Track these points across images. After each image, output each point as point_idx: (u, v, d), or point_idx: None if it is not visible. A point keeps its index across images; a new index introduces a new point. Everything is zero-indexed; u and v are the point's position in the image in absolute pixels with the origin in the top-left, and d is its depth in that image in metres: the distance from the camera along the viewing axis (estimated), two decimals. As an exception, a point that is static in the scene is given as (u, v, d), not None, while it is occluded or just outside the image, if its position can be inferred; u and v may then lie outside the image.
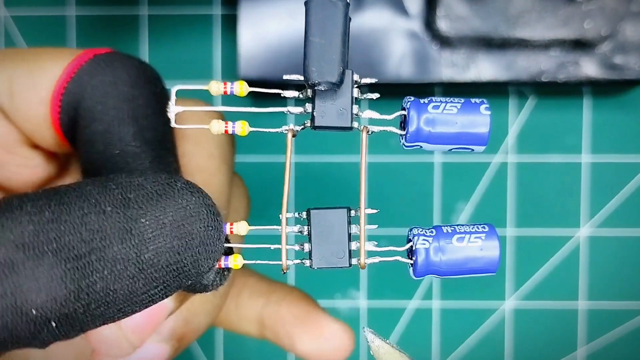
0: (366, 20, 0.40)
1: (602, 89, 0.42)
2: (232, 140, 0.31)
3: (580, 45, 0.39)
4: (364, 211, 0.23)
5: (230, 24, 0.42)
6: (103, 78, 0.25)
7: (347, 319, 0.44)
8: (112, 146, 0.25)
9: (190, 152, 0.28)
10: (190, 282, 0.22)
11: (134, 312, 0.21)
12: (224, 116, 0.29)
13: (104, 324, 0.21)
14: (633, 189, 0.42)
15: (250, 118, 0.23)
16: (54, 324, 0.19)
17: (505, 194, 0.43)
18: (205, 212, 0.22)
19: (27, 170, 0.28)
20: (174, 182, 0.22)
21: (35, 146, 0.28)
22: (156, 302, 0.22)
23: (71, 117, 0.26)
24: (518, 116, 0.43)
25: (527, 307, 0.43)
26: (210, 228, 0.22)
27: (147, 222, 0.21)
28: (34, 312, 0.19)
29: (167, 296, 0.22)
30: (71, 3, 0.42)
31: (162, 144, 0.26)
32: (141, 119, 0.25)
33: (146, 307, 0.21)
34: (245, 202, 0.33)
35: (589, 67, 0.39)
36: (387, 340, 0.24)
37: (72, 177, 0.30)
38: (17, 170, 0.28)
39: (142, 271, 0.20)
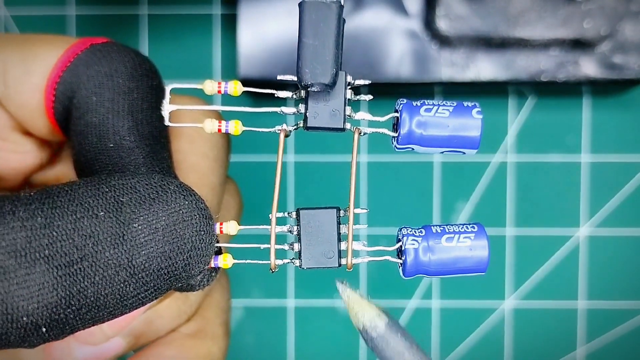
0: (366, 20, 0.40)
1: (601, 88, 0.42)
2: (227, 142, 0.31)
3: (580, 44, 0.39)
4: (352, 211, 0.23)
5: (230, 23, 0.42)
6: (99, 69, 0.25)
7: (347, 318, 0.44)
8: (106, 139, 0.25)
9: (185, 151, 0.28)
10: (180, 284, 0.22)
11: (123, 313, 0.21)
12: (221, 115, 0.29)
13: (94, 325, 0.21)
14: (632, 189, 0.42)
15: (248, 118, 0.24)
16: (44, 329, 0.19)
17: (504, 193, 0.43)
18: (197, 216, 0.22)
19: (18, 156, 0.28)
20: (166, 185, 0.22)
21: (27, 133, 0.28)
22: (146, 304, 0.22)
23: (65, 107, 0.26)
24: (517, 116, 0.42)
25: (527, 306, 0.43)
26: (203, 232, 0.22)
27: (140, 227, 0.21)
28: (24, 319, 0.19)
29: (157, 298, 0.22)
30: (71, 3, 0.42)
31: (157, 139, 0.26)
32: (136, 112, 0.25)
33: (136, 308, 0.21)
34: (237, 208, 0.33)
35: (588, 67, 0.39)
36: (358, 291, 0.23)
37: (63, 165, 0.30)
38: (8, 156, 0.28)
39: (134, 276, 0.20)
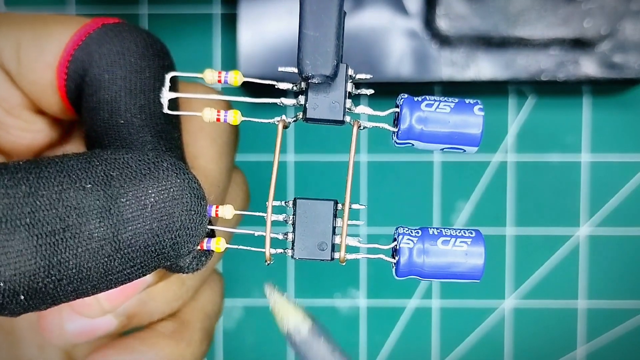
0: (366, 19, 0.40)
1: (601, 88, 0.42)
2: (236, 131, 0.31)
3: (580, 44, 0.39)
4: (348, 204, 0.23)
5: (230, 23, 0.42)
6: (111, 47, 0.25)
7: (347, 318, 0.44)
8: (117, 115, 0.25)
9: (195, 136, 0.28)
10: (168, 263, 0.22)
11: (109, 288, 0.21)
12: (231, 105, 0.29)
13: (77, 298, 0.21)
14: (632, 188, 0.42)
15: (247, 111, 0.23)
16: (22, 297, 0.19)
17: (505, 193, 0.43)
18: (188, 195, 0.22)
19: (30, 134, 0.28)
20: (159, 162, 0.22)
21: (39, 111, 0.28)
22: (133, 280, 0.22)
23: (77, 85, 0.26)
24: (518, 115, 0.42)
25: (527, 306, 0.43)
26: (193, 212, 0.22)
27: (128, 202, 0.21)
28: (1, 284, 0.19)
29: (144, 275, 0.22)
30: (71, 2, 0.42)
31: (168, 119, 0.26)
32: (148, 91, 0.25)
33: (122, 284, 0.21)
34: (243, 198, 0.33)
35: (588, 66, 0.39)
36: (285, 295, 0.24)
37: (74, 144, 0.30)
38: (20, 134, 0.28)
39: (119, 251, 0.20)
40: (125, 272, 0.21)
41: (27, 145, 0.28)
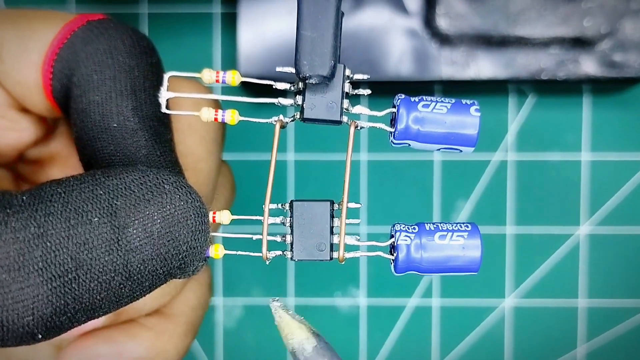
0: (366, 19, 0.40)
1: (601, 86, 0.42)
2: (224, 126, 0.30)
3: (580, 43, 0.39)
4: (346, 204, 0.23)
5: (230, 22, 0.42)
6: (98, 46, 0.25)
7: (347, 317, 0.44)
8: (109, 118, 0.24)
9: (184, 133, 0.28)
10: (174, 278, 0.23)
11: (119, 308, 0.21)
12: (220, 104, 0.29)
13: (88, 321, 0.21)
14: (633, 187, 0.42)
15: (246, 111, 0.23)
16: (40, 336, 0.20)
17: (505, 192, 0.43)
18: (193, 216, 0.22)
19: (15, 133, 0.28)
20: (161, 184, 0.21)
21: (24, 110, 0.27)
22: (141, 298, 0.22)
23: (64, 85, 0.25)
24: (518, 114, 0.42)
25: (527, 305, 0.43)
26: (198, 232, 0.22)
27: (135, 232, 0.20)
28: (20, 330, 0.19)
29: (151, 292, 0.22)
30: (71, 1, 0.42)
31: (161, 120, 0.25)
32: (139, 91, 0.25)
33: (131, 302, 0.21)
34: (230, 190, 0.32)
35: (588, 65, 0.39)
36: (290, 311, 0.24)
37: (57, 142, 0.30)
38: (4, 134, 0.28)
39: (129, 279, 0.20)
40: (135, 295, 0.21)
41: (12, 144, 0.28)
